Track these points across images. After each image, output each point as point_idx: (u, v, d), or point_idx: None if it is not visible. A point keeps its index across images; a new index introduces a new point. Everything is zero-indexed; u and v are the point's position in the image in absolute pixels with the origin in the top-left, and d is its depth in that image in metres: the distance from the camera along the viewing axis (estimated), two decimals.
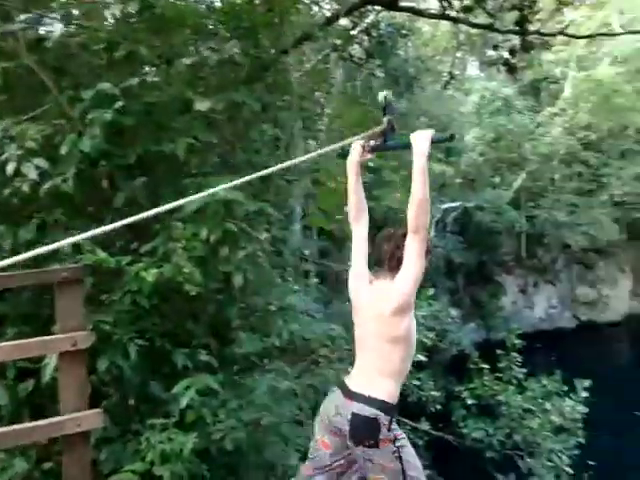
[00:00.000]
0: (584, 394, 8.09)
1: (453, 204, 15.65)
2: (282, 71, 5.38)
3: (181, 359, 3.85)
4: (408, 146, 2.97)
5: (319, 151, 3.53)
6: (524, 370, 8.84)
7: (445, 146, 17.81)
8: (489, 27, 9.04)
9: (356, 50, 12.50)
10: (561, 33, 9.54)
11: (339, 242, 10.59)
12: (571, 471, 7.94)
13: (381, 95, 3.25)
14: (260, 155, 5.06)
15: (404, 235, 2.85)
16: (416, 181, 2.84)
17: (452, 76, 21.80)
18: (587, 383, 8.11)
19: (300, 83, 7.64)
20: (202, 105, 4.07)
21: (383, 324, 2.83)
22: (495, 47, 10.07)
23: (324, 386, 5.16)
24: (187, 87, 4.43)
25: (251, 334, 4.27)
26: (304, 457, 5.07)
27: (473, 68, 27.29)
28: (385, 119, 3.16)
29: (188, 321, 4.22)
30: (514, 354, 8.81)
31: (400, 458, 2.78)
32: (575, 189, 19.92)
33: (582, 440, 8.32)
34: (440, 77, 20.95)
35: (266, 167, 3.28)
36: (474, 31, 19.26)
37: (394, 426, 2.80)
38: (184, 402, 3.60)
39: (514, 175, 19.60)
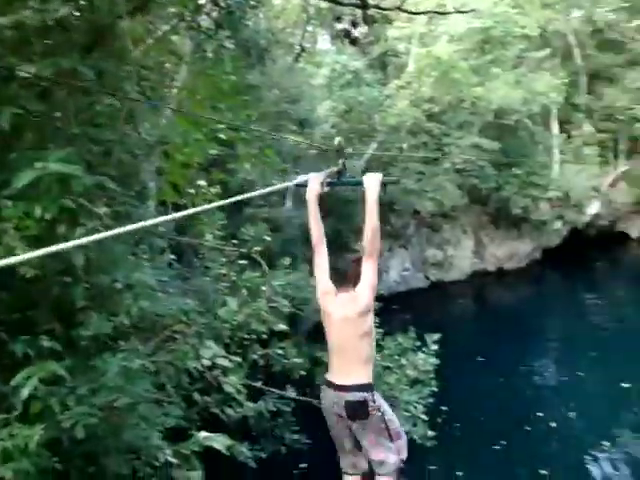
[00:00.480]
0: (434, 347, 8.72)
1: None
2: (119, 38, 5.06)
3: (20, 347, 3.57)
4: (360, 183, 3.78)
5: (278, 186, 4.33)
6: (381, 330, 9.31)
7: (299, 118, 18.00)
8: (333, 0, 9.19)
9: (205, 21, 12.12)
10: (398, 8, 9.95)
11: (195, 217, 10.34)
12: (426, 417, 8.58)
13: (336, 140, 3.98)
14: (100, 128, 4.76)
15: (361, 258, 3.74)
16: (370, 213, 3.73)
17: (303, 49, 22.01)
18: (436, 337, 8.75)
19: (145, 52, 7.28)
20: (26, 70, 3.72)
21: (353, 324, 3.65)
22: (338, 19, 10.29)
23: (184, 363, 5.09)
24: (9, 52, 4.02)
25: (99, 314, 4.05)
26: (168, 436, 5.00)
27: (324, 42, 27.76)
28: (340, 161, 3.95)
29: (28, 306, 3.91)
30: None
31: (384, 419, 3.71)
32: (422, 158, 21.15)
33: (435, 389, 9.03)
34: (291, 50, 21.06)
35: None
36: (324, 5, 19.56)
37: (376, 396, 3.69)
38: (25, 393, 3.36)
39: (365, 145, 20.34)
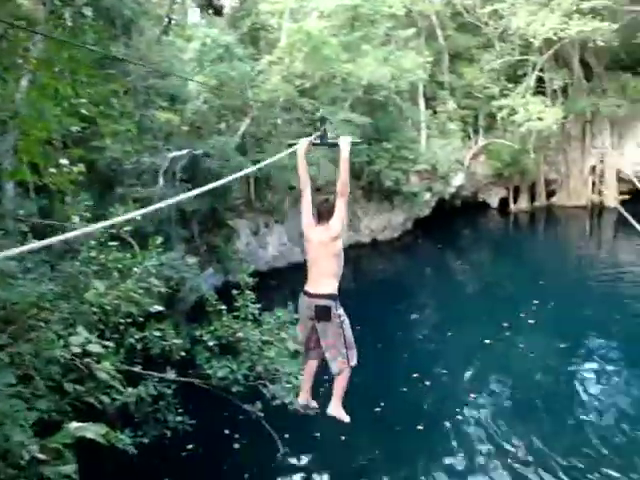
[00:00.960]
0: None
1: (180, 152, 15.44)
2: None
3: None
4: (336, 144, 4.92)
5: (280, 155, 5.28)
6: (259, 306, 9.39)
7: (170, 93, 17.36)
8: None
9: None
10: None
11: (60, 198, 9.70)
12: None
13: (322, 112, 4.99)
14: None
15: (334, 202, 4.80)
16: (343, 169, 4.75)
17: (170, 20, 21.18)
18: None
19: None
20: None
21: (327, 247, 4.80)
22: None
23: (51, 351, 4.79)
24: None
25: None
26: (39, 431, 4.71)
27: (194, 15, 26.90)
28: (322, 127, 5.09)
29: None
30: (248, 292, 9.26)
31: (342, 326, 4.91)
32: (295, 133, 21.25)
33: None
34: (160, 22, 20.20)
35: None
36: None
37: (338, 306, 4.85)
38: None
39: (239, 122, 20.10)
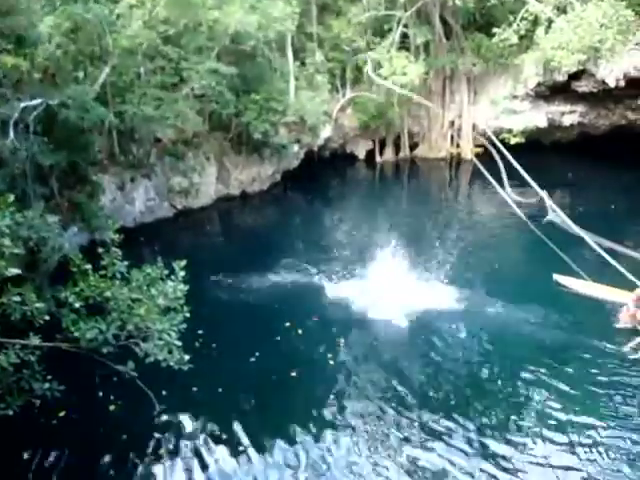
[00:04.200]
0: (182, 274, 8.81)
1: (33, 102, 14.20)
2: None
3: None
4: None
5: None
6: (126, 263, 9.09)
7: (16, 34, 15.76)
8: None
9: None
10: None
11: None
12: (179, 343, 8.79)
13: None
14: None
15: None
16: None
17: None
18: (183, 263, 8.80)
19: None
20: None
21: None
22: None
23: None
24: None
25: None
26: None
27: None
28: None
29: None
30: (115, 249, 8.91)
31: None
32: (160, 83, 20.36)
33: (187, 314, 9.22)
34: None
35: None
36: None
37: None
38: None
39: (97, 70, 18.83)
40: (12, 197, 8.07)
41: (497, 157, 27.21)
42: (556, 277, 16.81)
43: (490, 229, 22.71)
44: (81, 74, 18.50)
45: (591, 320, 15.07)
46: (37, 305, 8.97)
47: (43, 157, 14.88)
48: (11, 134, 13.51)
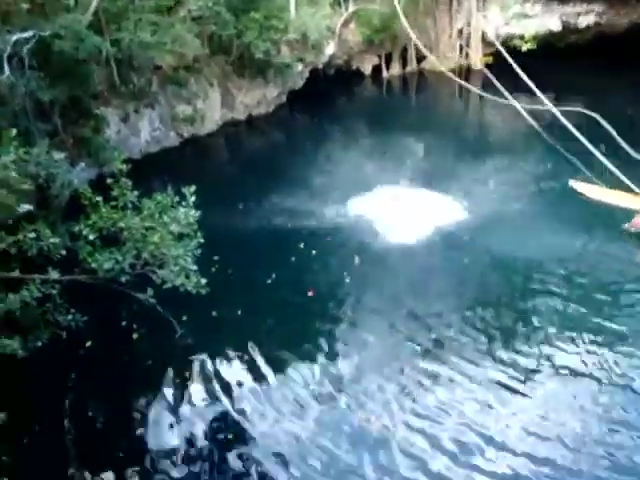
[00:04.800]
0: (193, 199, 8.79)
1: (25, 34, 13.71)
2: None
3: None
4: None
5: None
6: (137, 193, 9.07)
7: None
8: None
9: None
10: None
11: None
12: (195, 268, 8.90)
13: None
14: None
15: None
16: None
17: None
18: (193, 188, 8.76)
19: None
20: None
21: None
22: None
23: None
24: None
25: None
26: None
27: None
28: None
29: None
30: (124, 180, 8.88)
31: None
32: (155, 7, 19.57)
33: (202, 240, 9.29)
34: None
35: None
36: None
37: None
38: None
39: None
40: (14, 131, 7.99)
41: (512, 62, 25.91)
42: (572, 183, 16.61)
43: (502, 139, 22.28)
44: (71, 1, 17.72)
45: (605, 226, 14.99)
46: (52, 240, 9.11)
47: (42, 92, 14.56)
48: (6, 69, 13.15)
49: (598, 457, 8.88)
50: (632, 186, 15.69)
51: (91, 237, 8.88)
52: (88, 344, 11.48)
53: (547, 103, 21.30)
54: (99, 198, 8.82)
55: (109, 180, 8.94)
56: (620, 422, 9.43)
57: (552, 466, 8.79)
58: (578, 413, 9.65)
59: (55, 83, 15.07)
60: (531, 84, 22.21)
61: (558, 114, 19.89)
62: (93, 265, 8.91)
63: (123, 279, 9.18)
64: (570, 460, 8.85)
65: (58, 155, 13.70)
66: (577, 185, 16.55)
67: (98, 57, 17.35)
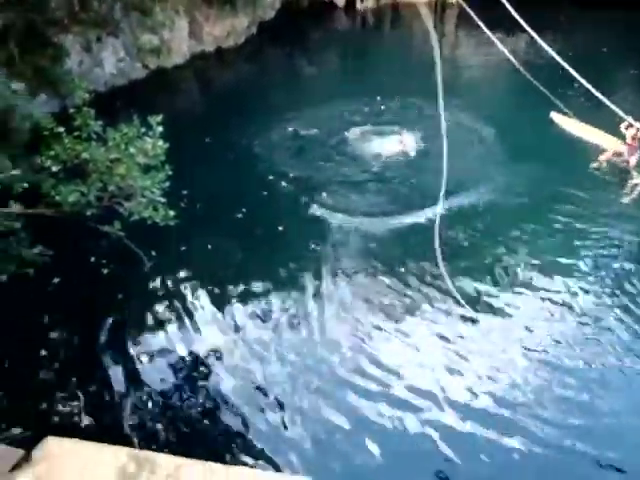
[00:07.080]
0: (160, 129, 8.49)
1: None
2: None
3: None
4: None
5: None
6: (101, 123, 8.73)
7: None
8: None
9: None
10: None
11: None
12: (164, 200, 8.73)
13: None
14: None
15: None
16: None
17: None
18: (159, 118, 8.45)
19: None
20: None
21: None
22: None
23: None
24: None
25: None
26: None
27: None
28: None
29: None
30: (87, 109, 8.52)
31: None
32: None
33: (170, 172, 9.05)
34: None
35: None
36: None
37: None
38: None
39: None
40: None
41: None
42: (552, 115, 16.82)
43: (479, 75, 21.99)
44: None
45: (581, 165, 15.17)
46: (13, 172, 8.77)
47: None
48: None
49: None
50: (623, 115, 15.84)
51: (54, 169, 8.56)
52: (56, 281, 11.31)
53: (533, 35, 20.92)
54: (61, 129, 8.47)
55: (71, 110, 8.58)
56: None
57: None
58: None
59: (8, 6, 14.23)
60: (514, 12, 21.68)
61: (544, 44, 19.60)
62: (57, 198, 8.62)
63: (89, 212, 8.92)
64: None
65: (17, 85, 13.09)
66: (557, 117, 16.77)
67: None
